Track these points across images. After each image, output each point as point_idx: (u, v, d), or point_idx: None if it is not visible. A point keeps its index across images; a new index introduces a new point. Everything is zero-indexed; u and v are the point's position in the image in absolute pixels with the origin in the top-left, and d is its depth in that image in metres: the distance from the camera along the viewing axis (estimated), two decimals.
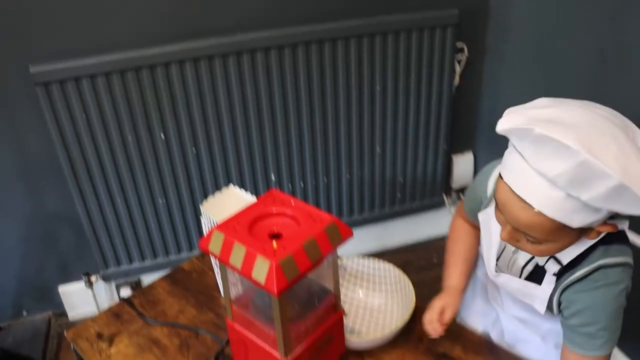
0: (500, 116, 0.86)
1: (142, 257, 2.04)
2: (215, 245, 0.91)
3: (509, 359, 1.13)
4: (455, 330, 1.21)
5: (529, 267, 1.03)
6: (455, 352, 1.15)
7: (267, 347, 0.98)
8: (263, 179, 1.99)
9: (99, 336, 1.29)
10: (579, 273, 0.91)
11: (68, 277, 2.13)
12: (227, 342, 1.11)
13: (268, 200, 0.99)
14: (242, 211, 0.96)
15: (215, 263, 1.30)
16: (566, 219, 0.81)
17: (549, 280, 0.97)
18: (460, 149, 2.30)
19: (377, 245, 2.26)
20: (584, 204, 0.79)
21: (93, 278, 2.06)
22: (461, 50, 2.05)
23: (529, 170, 0.80)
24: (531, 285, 1.00)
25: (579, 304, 0.92)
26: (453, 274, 1.16)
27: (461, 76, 2.11)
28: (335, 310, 1.04)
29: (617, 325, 0.92)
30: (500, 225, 0.93)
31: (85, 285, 2.07)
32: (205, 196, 1.96)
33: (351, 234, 0.94)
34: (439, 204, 2.30)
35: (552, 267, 0.97)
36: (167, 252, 2.05)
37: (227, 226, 0.93)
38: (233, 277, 1.01)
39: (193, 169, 1.90)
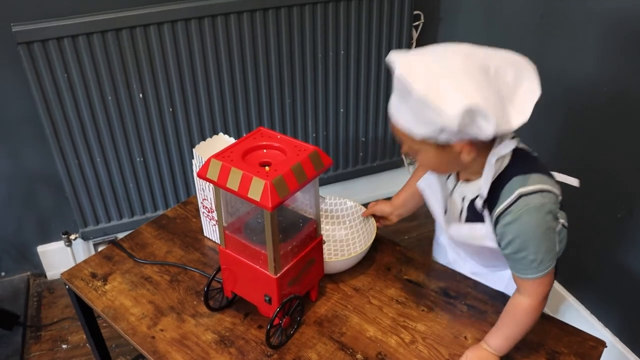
0: None
1: (120, 216, 2.10)
2: (213, 172, 1.00)
3: (468, 283, 1.26)
4: (421, 261, 1.34)
5: (465, 210, 1.10)
6: (419, 278, 1.29)
7: (258, 267, 1.08)
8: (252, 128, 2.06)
9: (93, 276, 1.37)
10: (504, 205, 0.96)
11: (47, 238, 2.17)
12: (217, 272, 1.20)
13: (256, 136, 1.08)
14: (233, 145, 1.05)
15: (201, 204, 1.39)
16: (410, 129, 0.93)
17: (486, 216, 1.04)
18: None
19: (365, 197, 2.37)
20: (415, 117, 0.91)
21: (72, 237, 2.11)
22: (418, 17, 2.17)
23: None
24: (476, 226, 1.08)
25: (509, 234, 0.97)
26: (400, 193, 1.35)
27: (418, 42, 2.23)
28: (316, 235, 1.15)
29: (548, 247, 0.97)
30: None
31: (65, 243, 2.11)
32: (181, 155, 2.03)
33: (331, 162, 1.05)
34: (398, 164, 2.44)
35: (479, 202, 1.04)
36: (144, 210, 2.12)
37: (223, 156, 1.02)
38: (226, 207, 1.10)
39: (170, 129, 1.96)
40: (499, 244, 1.03)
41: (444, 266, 1.32)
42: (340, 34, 2.01)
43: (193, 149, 1.26)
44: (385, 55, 2.12)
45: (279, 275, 1.06)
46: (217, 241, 1.42)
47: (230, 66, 1.92)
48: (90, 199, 2.02)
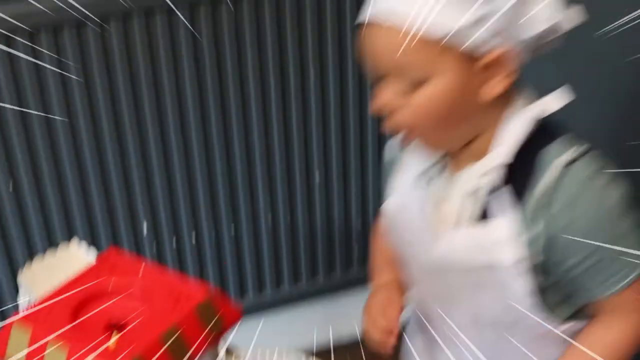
0: None
1: None
2: (15, 348, 0.82)
3: None
4: None
5: (466, 213, 1.01)
6: None
7: None
8: (128, 233, 1.82)
9: None
10: (541, 185, 0.92)
11: None
12: None
13: (104, 267, 0.94)
14: (64, 286, 0.90)
15: None
16: (424, 24, 0.84)
17: (504, 210, 0.96)
18: None
19: (324, 336, 1.98)
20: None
21: None
22: None
23: None
24: (488, 226, 0.97)
25: (567, 230, 0.92)
26: (385, 270, 1.24)
27: None
28: None
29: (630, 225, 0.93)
30: (376, 97, 0.96)
31: None
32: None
33: (239, 316, 0.90)
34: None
35: (503, 194, 0.96)
36: None
37: (39, 315, 0.85)
38: None
39: (11, 222, 1.72)
40: (546, 264, 0.95)
41: None
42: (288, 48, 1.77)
43: (18, 277, 1.11)
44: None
45: None
46: None
47: (112, 105, 1.66)
48: None
